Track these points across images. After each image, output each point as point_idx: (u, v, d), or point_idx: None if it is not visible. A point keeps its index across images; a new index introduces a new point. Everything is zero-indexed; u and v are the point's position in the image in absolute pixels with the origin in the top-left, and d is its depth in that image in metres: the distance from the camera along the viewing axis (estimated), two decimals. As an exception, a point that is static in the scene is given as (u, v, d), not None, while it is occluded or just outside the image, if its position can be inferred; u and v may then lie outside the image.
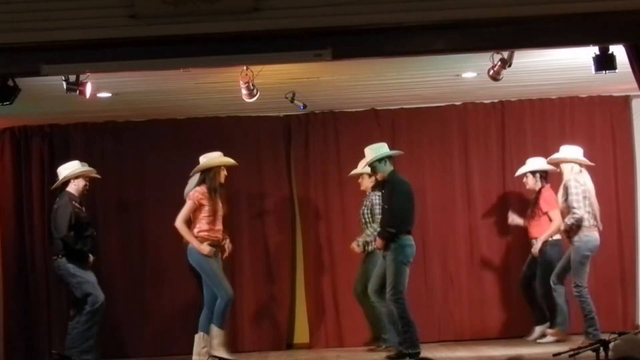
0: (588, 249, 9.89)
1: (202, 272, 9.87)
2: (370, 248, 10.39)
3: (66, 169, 10.17)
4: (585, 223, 9.80)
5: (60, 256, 9.94)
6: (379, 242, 9.77)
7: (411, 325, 9.67)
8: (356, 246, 10.43)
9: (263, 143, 11.56)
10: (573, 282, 9.95)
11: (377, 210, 10.17)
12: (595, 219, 9.90)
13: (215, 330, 9.81)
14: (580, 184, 9.90)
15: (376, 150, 9.87)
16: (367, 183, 10.49)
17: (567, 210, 9.88)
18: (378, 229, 9.90)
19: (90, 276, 9.99)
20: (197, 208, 9.82)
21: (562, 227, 10.04)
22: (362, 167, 10.39)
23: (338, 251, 11.15)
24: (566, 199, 9.87)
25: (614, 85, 10.63)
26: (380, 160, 9.78)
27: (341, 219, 11.27)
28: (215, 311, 9.81)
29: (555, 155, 10.24)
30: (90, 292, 9.90)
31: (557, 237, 10.52)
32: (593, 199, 9.95)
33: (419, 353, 9.62)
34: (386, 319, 10.08)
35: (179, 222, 9.83)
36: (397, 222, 9.61)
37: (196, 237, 9.82)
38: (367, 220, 10.39)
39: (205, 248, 9.76)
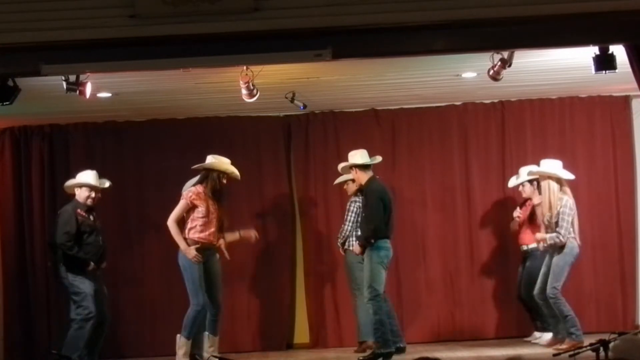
0: (572, 256, 10.02)
1: (184, 274, 9.68)
2: (347, 246, 10.64)
3: (76, 177, 10.12)
4: (570, 235, 9.97)
5: (61, 264, 9.90)
6: (356, 248, 10.23)
7: (383, 325, 9.88)
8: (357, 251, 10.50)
9: (263, 143, 11.57)
10: (551, 285, 9.93)
11: (349, 216, 10.60)
12: (574, 232, 10.03)
13: (181, 340, 9.62)
14: (572, 209, 9.97)
15: (361, 155, 10.14)
16: (352, 188, 10.59)
17: (549, 227, 9.93)
18: (347, 232, 10.49)
19: (86, 287, 9.89)
20: (190, 208, 9.64)
21: (544, 241, 10.02)
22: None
23: (338, 251, 11.13)
24: (556, 221, 9.90)
25: (614, 85, 10.63)
26: (363, 166, 10.07)
27: (341, 219, 11.21)
28: (184, 320, 9.62)
29: (536, 170, 10.23)
30: (82, 304, 9.84)
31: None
32: (576, 216, 10.04)
33: (391, 353, 9.86)
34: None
35: (171, 222, 9.63)
36: (373, 231, 9.94)
37: (186, 238, 9.67)
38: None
39: (191, 252, 9.56)
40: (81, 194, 10.05)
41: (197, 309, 9.62)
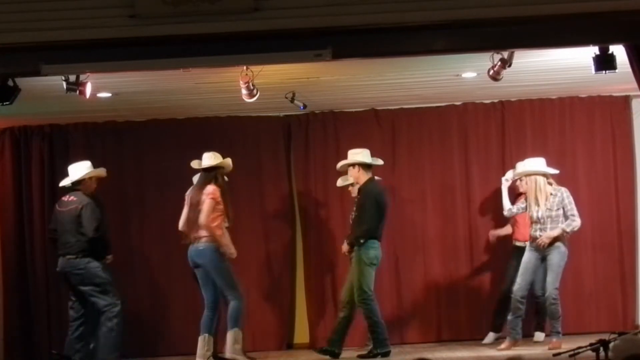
0: (567, 254, 10.12)
1: (219, 273, 9.76)
2: None
3: (81, 169, 10.03)
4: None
5: (80, 256, 9.72)
6: (345, 247, 10.24)
7: (378, 326, 9.97)
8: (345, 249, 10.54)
9: (263, 143, 11.57)
10: (553, 286, 10.01)
11: None
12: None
13: (237, 333, 9.72)
14: (569, 194, 10.11)
15: (362, 154, 10.18)
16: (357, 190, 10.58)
17: (538, 222, 9.97)
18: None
19: (110, 276, 9.93)
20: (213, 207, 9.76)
21: (556, 233, 10.03)
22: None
23: (338, 251, 11.11)
24: (560, 208, 10.02)
25: (614, 85, 10.63)
26: (365, 165, 10.14)
27: (341, 219, 11.26)
28: (232, 315, 9.71)
29: (523, 169, 10.25)
30: (112, 293, 9.79)
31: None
32: None
33: (389, 352, 9.96)
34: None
35: (207, 221, 9.67)
36: (366, 232, 10.02)
37: (208, 236, 9.72)
38: None
39: (233, 250, 9.85)
40: (91, 186, 9.98)
41: (240, 299, 9.79)
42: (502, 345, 10.14)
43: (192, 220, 9.76)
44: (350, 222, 10.40)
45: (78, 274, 9.80)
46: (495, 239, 11.08)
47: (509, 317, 10.19)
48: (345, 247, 10.27)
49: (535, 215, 10.05)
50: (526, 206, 10.19)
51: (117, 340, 9.76)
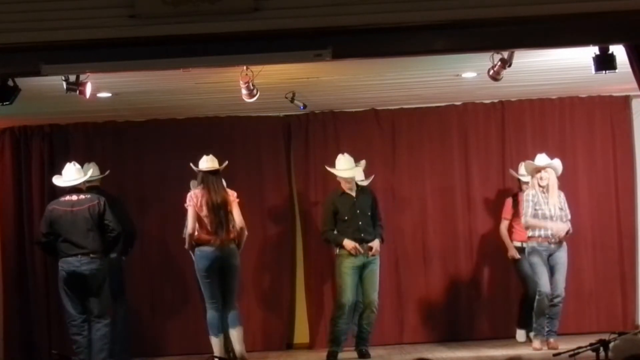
0: None
1: (239, 274, 9.81)
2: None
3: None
4: None
5: (101, 255, 9.50)
6: (378, 245, 10.14)
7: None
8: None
9: (263, 143, 11.57)
10: (563, 284, 9.99)
11: None
12: None
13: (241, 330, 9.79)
14: None
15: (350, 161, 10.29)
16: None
17: (553, 217, 9.96)
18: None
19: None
20: None
21: (563, 234, 10.04)
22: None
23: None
24: (562, 208, 10.05)
25: (614, 85, 10.63)
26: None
27: (341, 219, 11.27)
28: (237, 316, 9.72)
29: (547, 163, 10.10)
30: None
31: None
32: None
33: (330, 352, 10.05)
34: None
35: (243, 224, 9.70)
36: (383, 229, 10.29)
37: (233, 239, 9.71)
38: None
39: None
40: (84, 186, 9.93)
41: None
42: (536, 345, 10.02)
43: (222, 222, 9.58)
44: (360, 223, 10.13)
45: (97, 273, 9.48)
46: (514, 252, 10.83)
47: (538, 318, 10.03)
48: (377, 243, 10.12)
49: (553, 211, 9.97)
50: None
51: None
